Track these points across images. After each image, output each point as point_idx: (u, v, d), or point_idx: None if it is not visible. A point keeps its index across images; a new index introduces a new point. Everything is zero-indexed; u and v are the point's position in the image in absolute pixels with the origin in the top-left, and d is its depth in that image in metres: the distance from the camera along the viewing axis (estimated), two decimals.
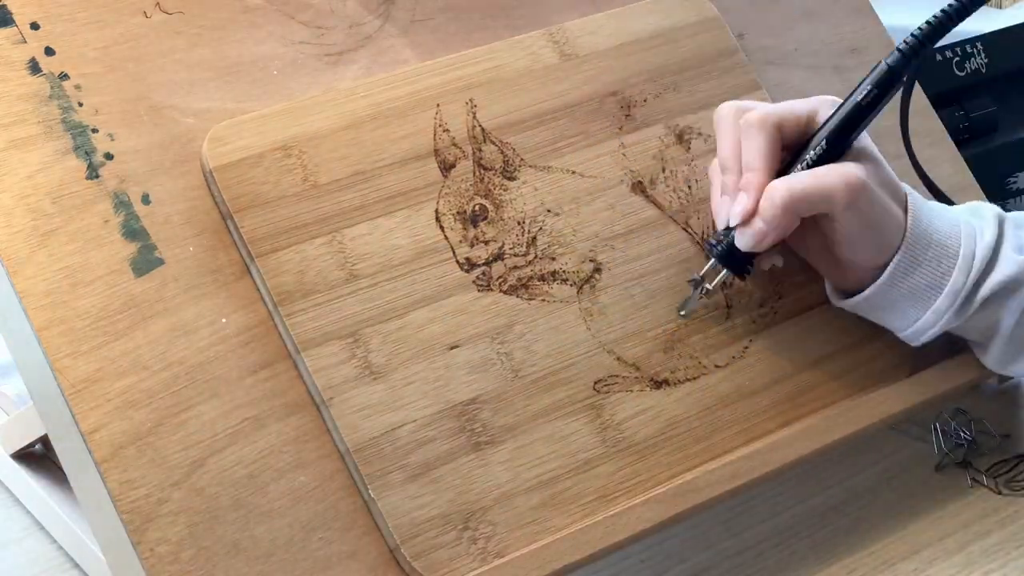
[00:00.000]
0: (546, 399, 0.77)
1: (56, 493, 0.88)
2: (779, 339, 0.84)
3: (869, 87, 0.79)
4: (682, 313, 0.82)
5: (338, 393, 0.73)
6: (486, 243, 0.79)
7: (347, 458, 0.73)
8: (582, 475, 0.77)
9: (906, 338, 0.84)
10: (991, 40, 1.13)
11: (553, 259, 0.80)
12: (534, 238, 0.80)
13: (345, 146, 0.78)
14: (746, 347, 0.83)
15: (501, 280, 0.79)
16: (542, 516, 0.75)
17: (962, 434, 0.91)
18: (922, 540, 0.85)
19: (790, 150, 0.81)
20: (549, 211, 0.81)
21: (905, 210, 0.81)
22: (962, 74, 1.11)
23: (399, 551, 0.72)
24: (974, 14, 0.80)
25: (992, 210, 0.85)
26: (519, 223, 0.80)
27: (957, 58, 1.11)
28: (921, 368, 0.87)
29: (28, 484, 0.89)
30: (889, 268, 0.81)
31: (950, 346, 0.88)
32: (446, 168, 0.80)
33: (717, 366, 0.82)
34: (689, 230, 0.84)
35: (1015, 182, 1.16)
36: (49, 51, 0.75)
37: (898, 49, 0.79)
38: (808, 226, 0.81)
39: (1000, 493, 0.88)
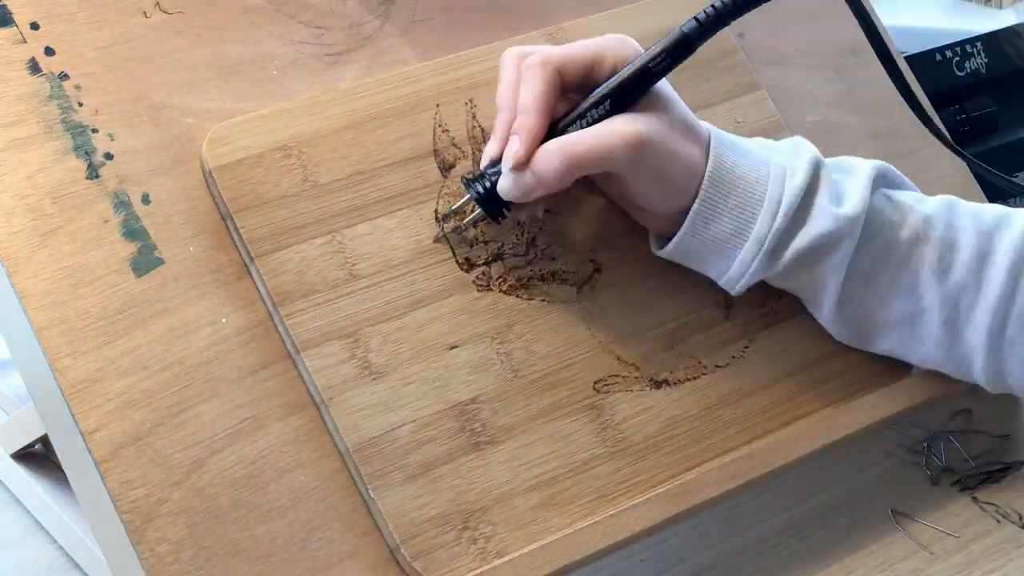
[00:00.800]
0: (546, 399, 0.77)
1: (56, 493, 0.88)
2: (779, 339, 0.84)
3: (662, 53, 0.76)
4: (434, 241, 0.78)
5: (338, 393, 0.73)
6: (485, 243, 0.79)
7: (347, 458, 0.73)
8: (582, 475, 0.76)
9: (725, 287, 0.80)
10: (991, 40, 1.13)
11: (553, 259, 0.80)
12: (534, 238, 0.80)
13: (345, 146, 0.78)
14: (746, 347, 0.83)
15: (501, 280, 0.79)
16: (542, 516, 0.75)
17: (941, 459, 0.91)
18: (922, 540, 0.85)
19: (577, 92, 0.77)
20: (548, 211, 0.81)
21: (707, 153, 0.78)
22: (962, 74, 1.11)
23: (399, 551, 0.72)
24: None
25: (809, 151, 0.80)
26: (518, 223, 0.80)
27: (957, 58, 1.11)
28: (921, 368, 0.87)
29: (28, 484, 0.89)
30: (688, 218, 0.77)
31: None
32: (446, 168, 0.80)
33: (717, 366, 0.82)
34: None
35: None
36: (49, 51, 0.75)
37: (696, 19, 0.75)
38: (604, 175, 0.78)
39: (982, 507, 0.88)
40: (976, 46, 1.12)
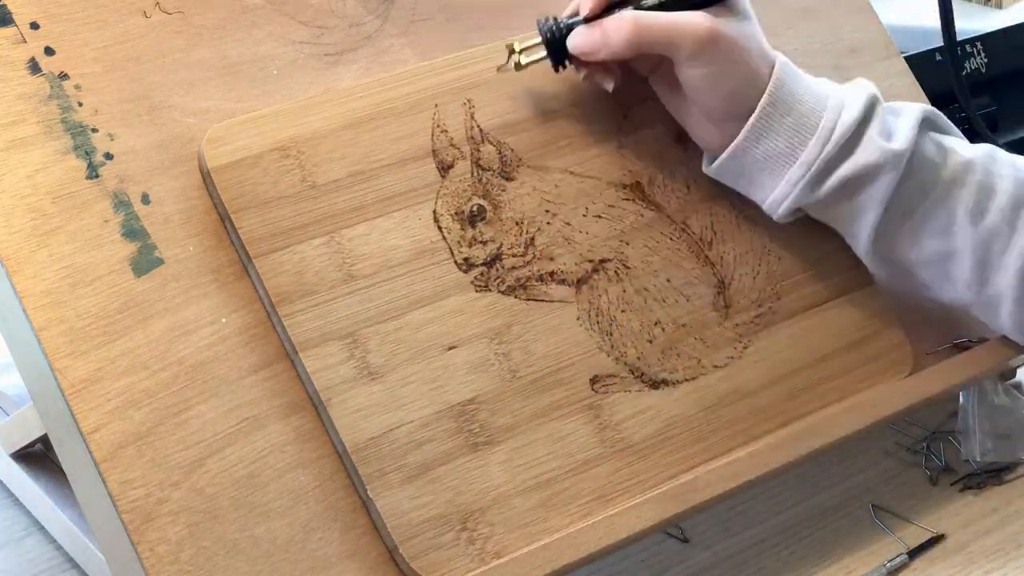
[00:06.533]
0: (544, 399, 0.77)
1: (56, 493, 0.88)
2: (777, 339, 0.84)
3: None
4: (496, 68, 0.82)
5: (336, 394, 0.73)
6: (484, 243, 0.79)
7: (345, 458, 0.73)
8: (580, 475, 0.76)
9: (768, 211, 0.84)
10: (991, 40, 1.13)
11: (551, 259, 0.80)
12: (532, 238, 0.80)
13: (343, 146, 0.78)
14: (744, 347, 0.83)
15: (499, 280, 0.79)
16: (540, 517, 0.75)
17: (941, 459, 0.91)
18: (922, 540, 0.85)
19: None
20: (547, 211, 0.81)
21: (771, 75, 0.81)
22: (962, 74, 1.11)
23: (397, 552, 0.72)
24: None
25: (868, 89, 0.83)
26: (517, 223, 0.80)
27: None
28: (921, 368, 0.87)
29: (28, 484, 0.89)
30: (744, 130, 0.81)
31: (950, 346, 0.88)
32: (444, 168, 0.80)
33: (716, 366, 0.82)
34: (688, 230, 0.84)
35: None
36: (49, 51, 0.75)
37: None
38: (670, 76, 0.82)
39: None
40: (976, 46, 1.12)
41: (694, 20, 0.79)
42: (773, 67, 0.82)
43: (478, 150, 0.81)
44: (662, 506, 0.77)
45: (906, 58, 1.00)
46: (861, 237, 0.83)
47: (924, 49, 1.11)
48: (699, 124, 0.84)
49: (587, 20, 0.81)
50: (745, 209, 0.86)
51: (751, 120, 0.81)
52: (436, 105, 0.81)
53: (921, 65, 1.03)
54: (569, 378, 0.78)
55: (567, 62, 0.82)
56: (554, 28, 0.81)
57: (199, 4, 0.80)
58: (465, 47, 0.84)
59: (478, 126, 0.82)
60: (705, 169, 0.85)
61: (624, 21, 0.79)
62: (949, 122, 0.86)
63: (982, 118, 1.10)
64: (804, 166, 0.81)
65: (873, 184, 0.81)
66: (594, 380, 0.79)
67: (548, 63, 0.82)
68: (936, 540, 0.85)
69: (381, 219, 0.77)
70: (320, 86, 0.81)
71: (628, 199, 0.84)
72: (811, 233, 0.87)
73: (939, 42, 1.11)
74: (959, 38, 1.12)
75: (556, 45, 0.81)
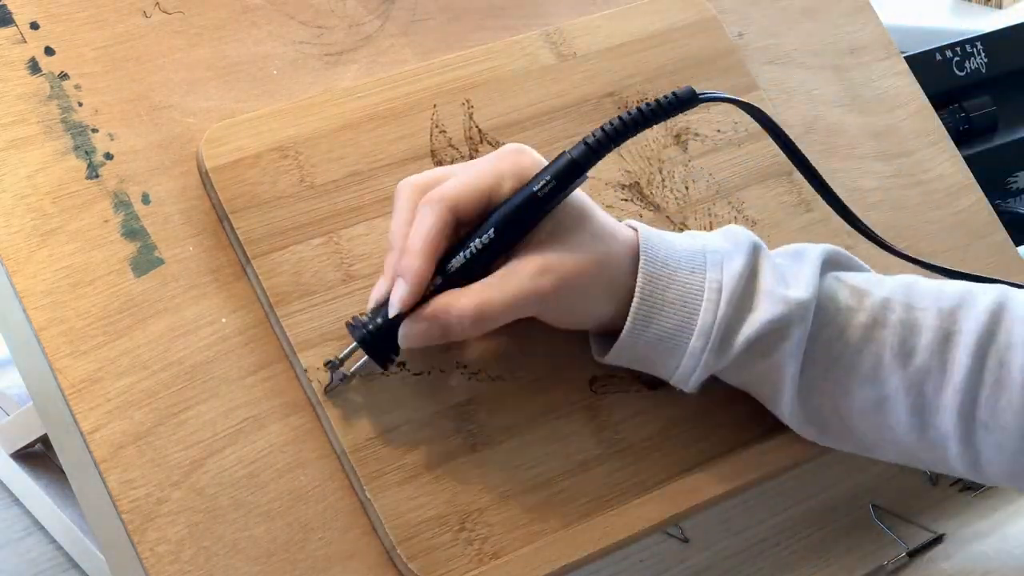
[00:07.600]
0: (543, 400, 0.77)
1: (56, 493, 0.88)
2: None
3: (547, 177, 0.72)
4: (325, 392, 0.73)
5: (334, 394, 0.73)
6: None
7: (343, 459, 0.73)
8: (579, 476, 0.76)
9: (677, 385, 0.77)
10: (991, 40, 1.13)
11: None
12: None
13: (342, 147, 0.78)
14: None
15: None
16: (539, 517, 0.75)
17: None
18: (922, 540, 0.85)
19: (472, 226, 0.73)
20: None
21: (636, 253, 0.75)
22: (962, 74, 1.11)
23: (395, 552, 0.72)
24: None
25: (745, 235, 0.77)
26: None
27: (957, 58, 1.11)
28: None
29: (28, 484, 0.90)
30: (628, 320, 0.74)
31: None
32: None
33: None
34: (687, 231, 0.84)
35: (1015, 182, 1.16)
36: (49, 51, 0.75)
37: (584, 142, 0.73)
38: None
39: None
40: (976, 46, 1.12)
41: (528, 274, 0.71)
42: (631, 244, 0.75)
43: (476, 150, 0.81)
44: (662, 506, 0.77)
45: (906, 58, 1.00)
46: (785, 399, 0.76)
47: (924, 49, 1.12)
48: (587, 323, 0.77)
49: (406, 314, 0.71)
50: (744, 210, 0.86)
51: (633, 307, 0.73)
52: (435, 105, 0.81)
53: (921, 65, 1.03)
54: (567, 378, 0.78)
55: (393, 355, 0.73)
56: (371, 328, 0.72)
57: (199, 4, 0.80)
58: (465, 47, 0.84)
59: (477, 127, 0.82)
60: (597, 359, 0.77)
61: (466, 314, 0.71)
62: (855, 258, 0.79)
63: (982, 118, 1.10)
64: (703, 336, 0.74)
65: (783, 339, 0.74)
66: (593, 381, 0.79)
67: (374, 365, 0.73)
68: (936, 540, 0.85)
69: (380, 219, 0.77)
70: (320, 86, 0.81)
71: (627, 199, 0.84)
72: (809, 235, 0.87)
73: (939, 42, 1.11)
74: (959, 38, 1.12)
75: (377, 345, 0.72)
